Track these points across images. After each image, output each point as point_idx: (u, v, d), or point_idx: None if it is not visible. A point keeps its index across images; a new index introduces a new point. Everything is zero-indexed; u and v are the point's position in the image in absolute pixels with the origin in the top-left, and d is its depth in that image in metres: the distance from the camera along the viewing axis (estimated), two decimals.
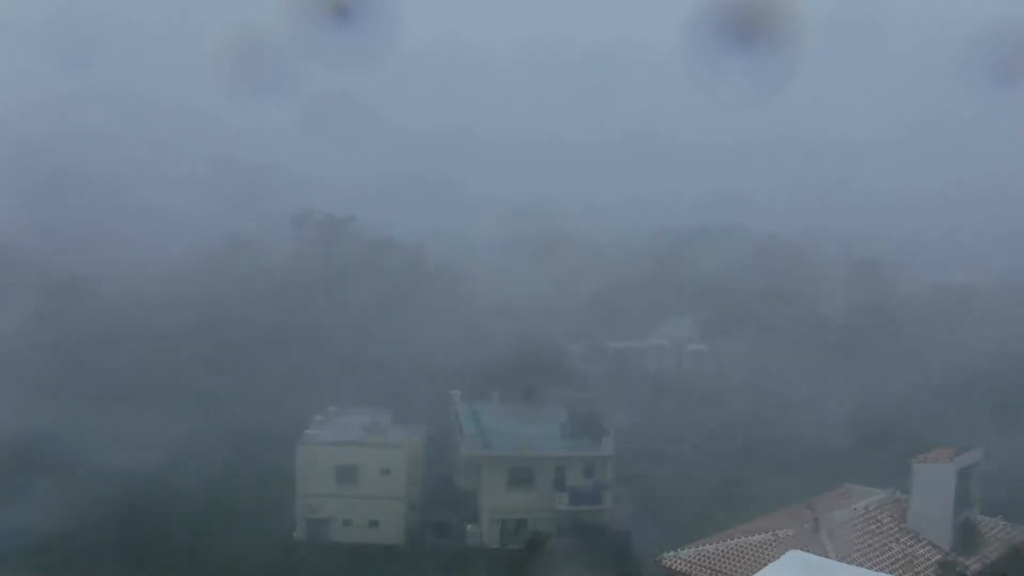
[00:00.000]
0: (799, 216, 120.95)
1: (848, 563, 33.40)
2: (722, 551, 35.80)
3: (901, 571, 34.47)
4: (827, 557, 33.45)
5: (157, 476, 57.14)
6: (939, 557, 35.36)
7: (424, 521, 58.35)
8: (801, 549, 33.92)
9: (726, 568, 34.70)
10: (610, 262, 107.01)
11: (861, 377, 72.51)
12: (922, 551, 35.99)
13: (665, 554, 36.18)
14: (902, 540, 36.52)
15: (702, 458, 61.97)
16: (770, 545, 34.98)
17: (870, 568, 33.89)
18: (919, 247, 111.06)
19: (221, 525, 53.82)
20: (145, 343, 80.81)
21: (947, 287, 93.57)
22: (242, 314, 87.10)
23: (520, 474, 57.05)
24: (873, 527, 36.80)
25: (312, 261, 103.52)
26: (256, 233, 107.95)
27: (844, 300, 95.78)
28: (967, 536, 37.08)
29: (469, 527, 56.75)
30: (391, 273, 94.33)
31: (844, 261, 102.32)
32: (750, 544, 35.49)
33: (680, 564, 34.75)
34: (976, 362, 72.64)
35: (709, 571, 35.15)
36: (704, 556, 35.77)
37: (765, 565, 28.13)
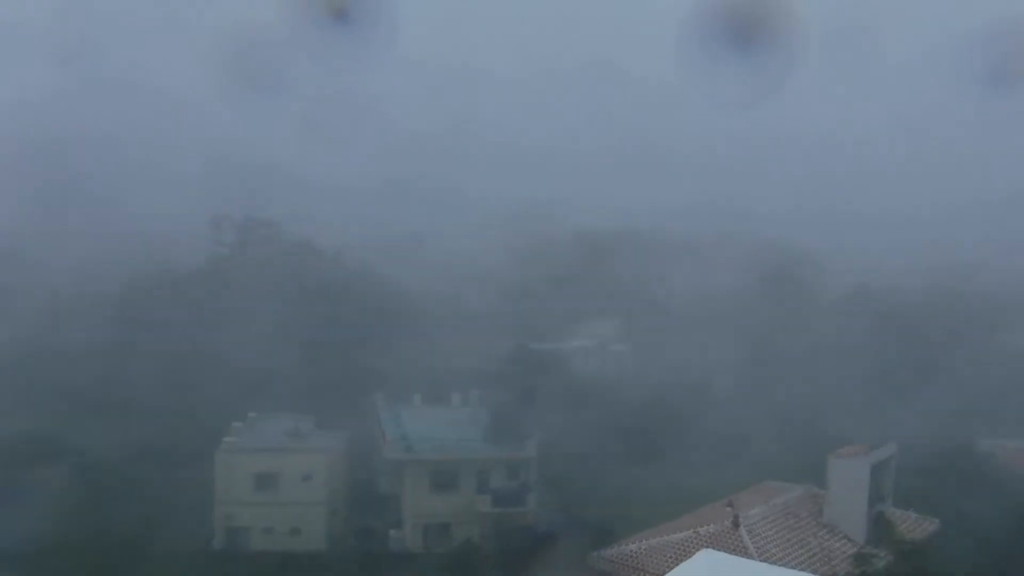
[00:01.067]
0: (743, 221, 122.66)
1: (767, 558, 34.30)
2: (646, 550, 36.36)
3: (818, 565, 35.47)
4: (747, 553, 34.27)
5: (72, 487, 55.56)
6: (854, 550, 36.45)
7: (347, 527, 57.87)
8: (722, 546, 34.82)
9: (650, 566, 35.24)
10: (536, 264, 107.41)
11: (780, 375, 74.21)
12: (838, 544, 37.10)
13: (590, 554, 36.58)
14: (819, 534, 37.59)
15: (626, 457, 62.58)
16: (692, 543, 35.64)
17: (789, 562, 34.84)
18: (846, 251, 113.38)
19: (136, 536, 52.56)
20: (55, 351, 78.39)
21: (866, 288, 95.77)
22: (158, 320, 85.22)
23: (443, 477, 57.02)
24: (791, 522, 37.79)
25: (230, 264, 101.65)
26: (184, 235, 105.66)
27: (764, 300, 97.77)
28: (881, 529, 38.34)
29: (392, 532, 56.47)
30: (311, 277, 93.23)
31: (769, 264, 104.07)
32: (673, 542, 36.12)
33: (605, 564, 35.19)
34: (893, 361, 75.01)
35: (633, 570, 35.67)
36: (628, 555, 36.28)
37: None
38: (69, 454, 58.79)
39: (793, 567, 35.01)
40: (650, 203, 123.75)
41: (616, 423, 65.03)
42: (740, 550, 34.59)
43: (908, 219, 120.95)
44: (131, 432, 61.76)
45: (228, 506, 55.11)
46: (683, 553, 35.32)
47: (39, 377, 73.59)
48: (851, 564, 35.07)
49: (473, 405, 65.08)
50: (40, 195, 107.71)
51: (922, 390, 65.88)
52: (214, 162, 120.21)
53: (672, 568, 28.90)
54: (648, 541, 36.77)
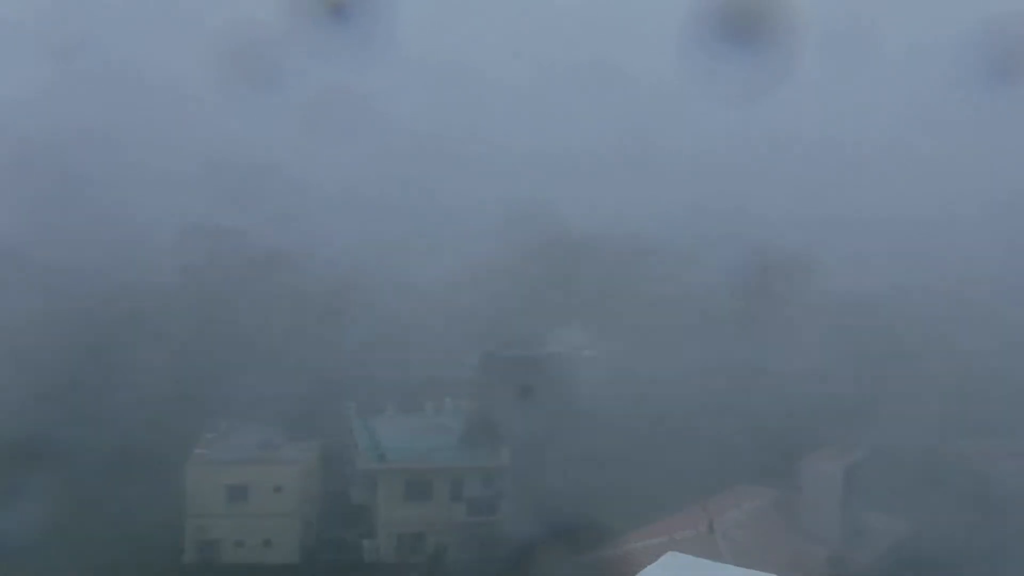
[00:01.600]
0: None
1: (742, 562, 34.39)
2: (621, 556, 36.32)
3: (793, 569, 35.62)
4: (722, 558, 34.40)
5: (38, 499, 54.66)
6: (829, 553, 36.71)
7: (320, 538, 57.52)
8: (698, 551, 34.92)
9: (627, 573, 35.21)
10: (506, 271, 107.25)
11: (753, 378, 74.44)
12: (813, 548, 37.34)
13: (566, 562, 36.56)
14: (793, 539, 37.82)
15: (599, 463, 62.59)
16: (668, 548, 35.63)
17: (763, 566, 34.95)
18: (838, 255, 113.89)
19: (106, 552, 51.89)
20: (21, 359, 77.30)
21: (843, 293, 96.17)
22: (121, 329, 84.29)
23: (417, 487, 56.86)
24: (766, 526, 38.07)
25: (195, 273, 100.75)
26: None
27: (733, 302, 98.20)
28: (854, 532, 38.64)
29: (366, 542, 56.18)
30: (276, 286, 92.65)
31: (739, 267, 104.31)
32: (648, 548, 36.07)
33: (581, 571, 35.14)
34: (867, 361, 75.52)
35: None
36: (604, 563, 36.26)
37: None
38: (35, 463, 57.94)
39: (768, 571, 35.22)
40: (638, 206, 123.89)
41: (590, 429, 65.02)
42: (715, 555, 34.74)
43: (901, 222, 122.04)
44: (99, 442, 61.06)
45: (199, 519, 54.65)
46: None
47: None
48: (826, 567, 35.30)
49: (447, 413, 64.98)
50: (27, 194, 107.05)
51: (897, 393, 66.44)
52: (205, 163, 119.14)
53: None
54: (624, 548, 36.80)
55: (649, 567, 28.60)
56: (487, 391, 70.43)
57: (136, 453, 60.60)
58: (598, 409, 70.13)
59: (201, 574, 52.44)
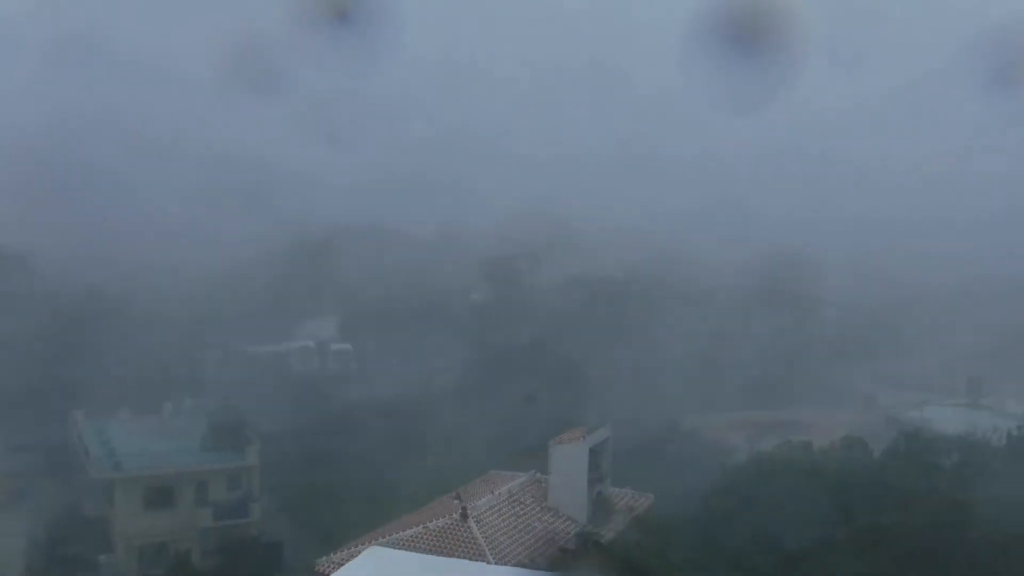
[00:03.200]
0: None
1: (496, 546, 35.33)
2: None
3: (545, 547, 36.90)
4: (477, 543, 35.12)
5: None
6: (578, 529, 38.28)
7: (50, 557, 53.46)
8: (452, 538, 35.47)
9: None
10: (254, 264, 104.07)
11: (500, 366, 76.37)
12: (562, 526, 38.79)
13: (318, 560, 35.99)
14: (544, 518, 39.11)
15: (353, 457, 62.16)
16: (422, 538, 35.97)
17: (516, 548, 36.08)
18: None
19: None
20: None
21: (579, 279, 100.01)
22: None
23: (158, 494, 54.15)
24: (517, 509, 39.03)
25: None
26: None
27: (484, 295, 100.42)
28: (600, 508, 40.50)
29: (103, 558, 52.82)
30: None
31: (484, 258, 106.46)
32: (403, 539, 36.21)
33: (334, 568, 34.65)
34: (612, 349, 79.34)
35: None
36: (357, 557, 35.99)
37: None
38: None
39: (520, 552, 36.30)
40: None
41: (341, 423, 64.44)
42: (470, 541, 35.37)
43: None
44: None
45: None
46: (414, 550, 35.62)
47: None
48: (575, 543, 36.79)
49: (187, 414, 62.23)
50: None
51: (635, 372, 70.34)
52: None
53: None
54: (377, 541, 36.68)
55: (350, 563, 28.85)
56: (232, 388, 68.22)
57: None
58: (349, 403, 69.67)
59: None
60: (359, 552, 35.72)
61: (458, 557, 34.32)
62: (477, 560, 34.24)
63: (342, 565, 34.39)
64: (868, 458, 41.80)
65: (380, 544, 35.88)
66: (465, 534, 35.72)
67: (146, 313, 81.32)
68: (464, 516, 36.37)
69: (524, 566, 33.81)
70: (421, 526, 36.75)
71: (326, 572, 34.72)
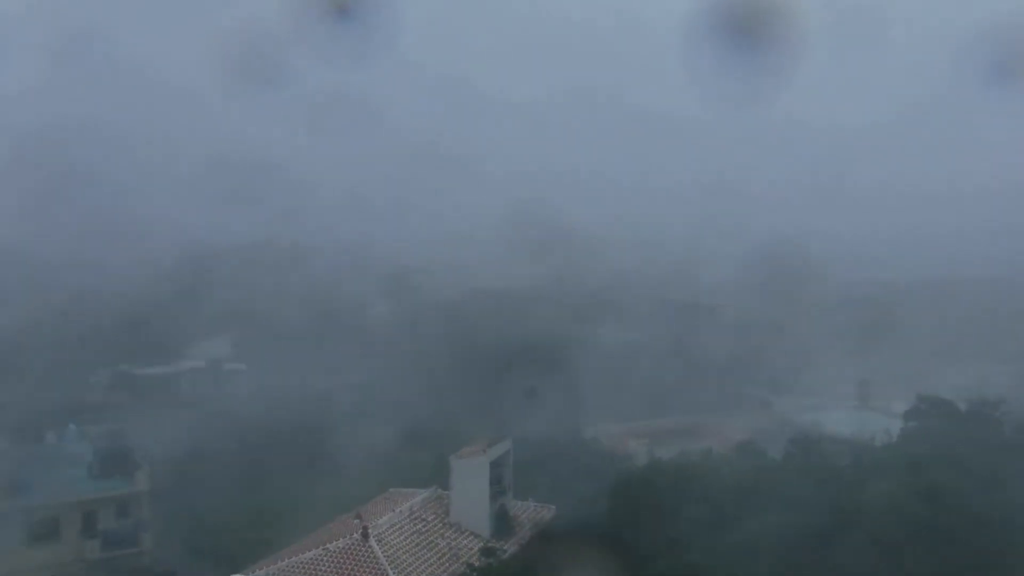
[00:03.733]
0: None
1: (398, 565, 35.08)
2: (274, 574, 35.59)
3: (448, 564, 36.80)
4: (379, 563, 34.81)
5: None
6: (481, 544, 38.24)
7: None
8: (353, 559, 35.11)
9: None
10: (134, 285, 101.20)
11: (404, 382, 75.88)
12: (466, 542, 38.72)
13: None
14: (447, 534, 38.99)
15: (250, 479, 60.88)
16: (322, 560, 35.49)
17: (419, 566, 35.91)
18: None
19: None
20: None
21: (482, 291, 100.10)
22: None
23: (41, 526, 52.01)
24: (419, 526, 38.85)
25: None
26: None
27: (382, 308, 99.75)
28: (503, 521, 40.57)
29: None
30: None
31: (383, 272, 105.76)
32: (303, 562, 35.70)
33: None
34: (508, 359, 79.44)
35: None
36: None
37: None
38: None
39: (424, 570, 36.14)
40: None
41: (237, 444, 63.04)
42: (371, 561, 35.06)
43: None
44: None
45: None
46: (315, 572, 35.11)
47: None
48: (479, 558, 36.75)
49: (72, 441, 60.03)
50: None
51: (533, 384, 70.55)
52: None
53: None
54: (276, 564, 36.04)
55: None
56: (119, 413, 66.18)
57: None
58: (242, 423, 68.29)
59: None
60: None
61: None
62: None
63: None
64: (763, 463, 42.86)
65: (278, 569, 35.31)
66: (366, 554, 35.37)
67: (22, 335, 78.41)
68: (365, 536, 36.01)
69: None
70: (321, 548, 36.26)
71: None
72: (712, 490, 35.54)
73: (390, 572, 34.52)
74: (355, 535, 36.18)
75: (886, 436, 49.74)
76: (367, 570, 34.68)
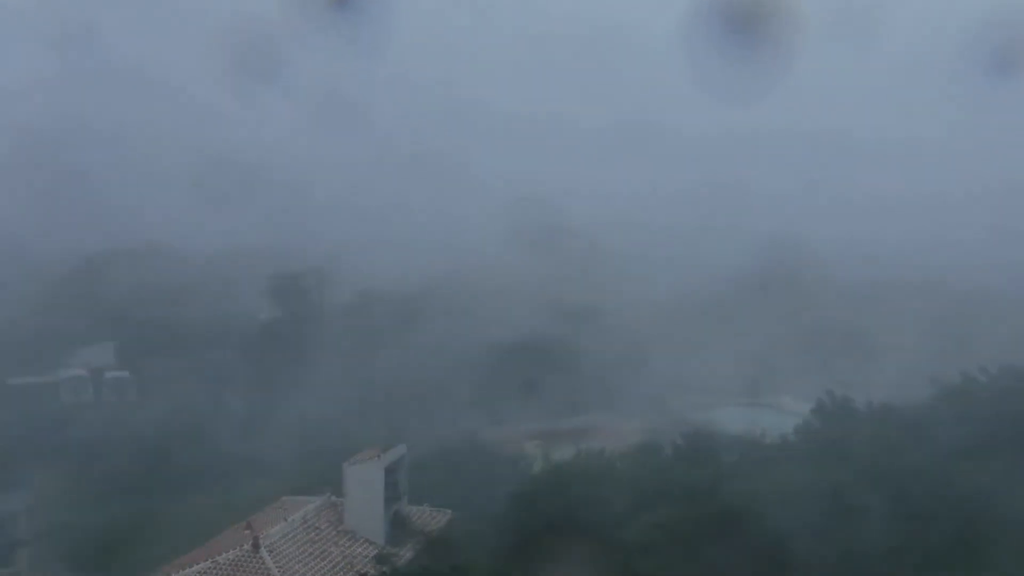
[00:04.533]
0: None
1: (290, 575, 34.65)
2: None
3: (342, 573, 36.50)
4: (270, 574, 34.32)
5: None
6: (376, 552, 38.06)
7: None
8: (244, 570, 34.53)
9: None
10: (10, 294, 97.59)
11: (293, 388, 74.84)
12: (360, 549, 38.48)
13: None
14: (341, 543, 38.67)
15: (133, 491, 59.30)
16: (211, 573, 34.87)
17: (313, 575, 35.51)
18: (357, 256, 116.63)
19: None
20: None
21: (370, 294, 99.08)
22: None
23: None
24: (312, 535, 38.43)
25: None
26: None
27: (270, 314, 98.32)
28: (399, 528, 40.44)
29: None
30: None
31: (268, 275, 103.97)
32: (191, 575, 35.00)
33: None
34: (403, 364, 79.10)
35: None
36: None
37: None
38: None
39: None
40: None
41: (119, 456, 61.38)
42: (262, 572, 34.54)
43: None
44: None
45: None
46: None
47: None
48: (374, 566, 36.56)
49: None
50: None
51: (428, 388, 70.53)
52: None
53: None
54: None
55: None
56: None
57: None
58: (126, 434, 66.63)
59: None
60: None
61: None
62: None
63: None
64: (658, 461, 43.62)
65: None
66: (257, 566, 34.84)
67: None
68: (256, 546, 35.46)
69: None
70: (210, 560, 35.59)
71: None
72: (606, 489, 36.04)
73: None
74: (245, 546, 35.60)
75: (780, 433, 51.15)
76: None
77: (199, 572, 35.08)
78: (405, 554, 38.57)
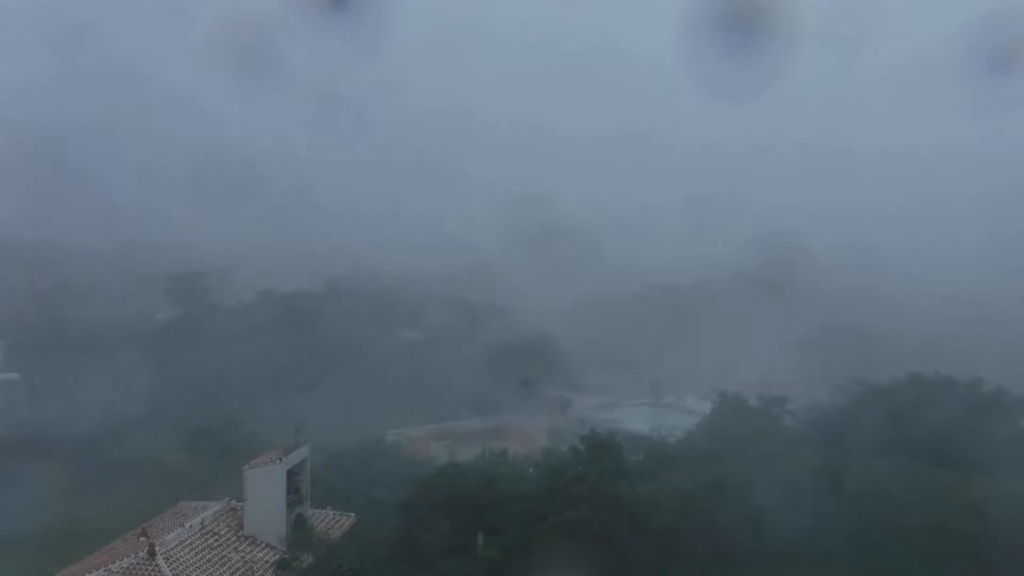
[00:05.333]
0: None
1: None
2: None
3: None
4: None
5: None
6: (277, 557, 37.51)
7: None
8: None
9: None
10: None
11: (191, 391, 73.27)
12: (261, 555, 37.89)
13: None
14: (241, 548, 38.01)
15: (22, 498, 57.18)
16: None
17: None
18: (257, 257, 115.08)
19: None
20: None
21: (272, 294, 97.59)
22: None
23: None
24: (211, 541, 37.70)
25: None
26: None
27: (168, 314, 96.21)
28: (300, 532, 39.94)
29: None
30: None
31: (164, 275, 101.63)
32: None
33: None
34: (304, 363, 78.17)
35: None
36: None
37: None
38: None
39: None
40: None
41: (7, 462, 59.15)
42: None
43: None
44: None
45: None
46: None
47: None
48: (275, 571, 36.06)
49: None
50: None
51: (331, 389, 69.78)
52: None
53: None
54: None
55: None
56: None
57: None
58: (19, 437, 64.45)
59: None
60: None
61: None
62: None
63: None
64: (559, 461, 44.00)
65: None
66: (153, 573, 34.02)
67: None
68: (152, 553, 34.64)
69: None
70: (104, 569, 34.62)
71: None
72: (509, 490, 36.25)
73: None
74: (140, 553, 34.76)
75: (679, 432, 52.11)
76: None
77: None
78: (307, 559, 38.12)
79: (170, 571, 34.15)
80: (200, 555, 36.48)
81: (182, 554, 35.80)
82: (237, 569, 36.67)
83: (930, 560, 32.45)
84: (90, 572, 34.59)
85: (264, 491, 38.88)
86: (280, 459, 39.37)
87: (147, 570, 34.17)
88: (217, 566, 36.35)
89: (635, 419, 68.26)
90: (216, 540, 37.99)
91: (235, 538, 38.63)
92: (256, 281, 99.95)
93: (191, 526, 37.83)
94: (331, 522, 42.68)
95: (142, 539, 36.06)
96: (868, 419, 41.37)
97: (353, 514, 43.70)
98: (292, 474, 40.00)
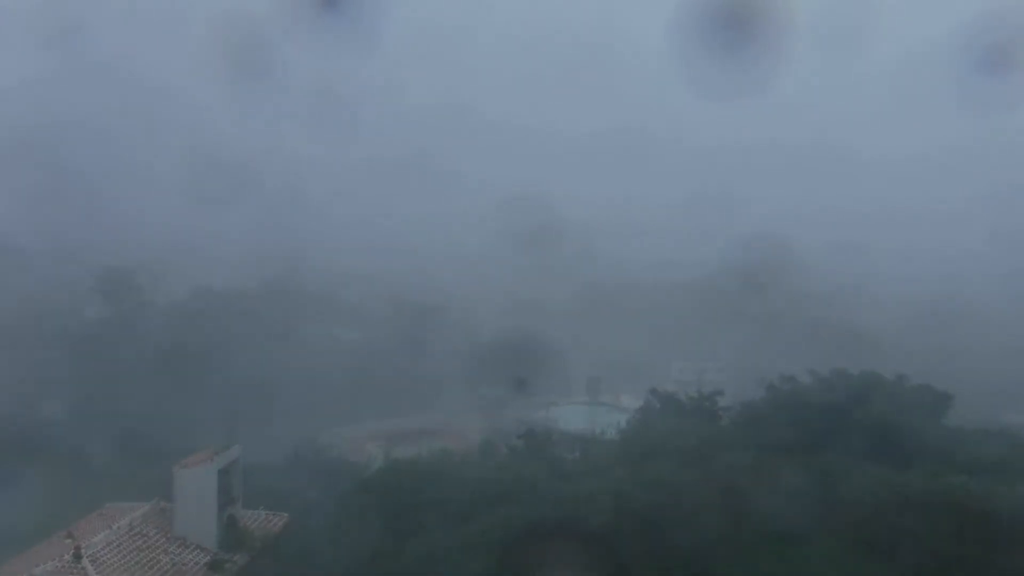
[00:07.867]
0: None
1: None
2: None
3: None
4: None
5: None
6: (208, 558, 37.11)
7: None
8: None
9: None
10: None
11: (118, 389, 72.03)
12: (191, 556, 37.44)
13: None
14: (170, 550, 37.54)
15: None
16: None
17: None
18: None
19: None
20: None
21: (209, 291, 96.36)
22: None
23: None
24: (140, 543, 37.19)
25: None
26: None
27: (95, 312, 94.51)
28: (233, 533, 39.54)
29: None
30: None
31: (100, 271, 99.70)
32: None
33: None
34: (243, 362, 77.30)
35: None
36: None
37: None
38: None
39: None
40: None
41: None
42: None
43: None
44: None
45: None
46: None
47: None
48: (205, 573, 35.66)
49: None
50: None
51: (263, 388, 69.13)
52: None
53: None
54: None
55: None
56: None
57: None
58: None
59: None
60: None
61: None
62: None
63: None
64: (496, 460, 44.21)
65: None
66: None
67: None
68: (77, 556, 34.08)
69: None
70: (27, 573, 33.93)
71: None
72: (445, 489, 36.22)
73: None
74: (66, 556, 34.17)
75: (614, 430, 52.52)
76: None
77: None
78: (239, 560, 37.78)
79: (96, 574, 33.63)
80: (128, 557, 35.96)
81: (109, 556, 35.25)
82: (167, 571, 36.22)
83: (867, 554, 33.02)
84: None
85: (195, 492, 38.42)
86: (211, 459, 38.95)
87: (73, 573, 33.62)
88: (146, 568, 35.86)
89: (571, 418, 68.77)
90: (145, 542, 37.46)
91: (164, 540, 38.13)
92: (192, 278, 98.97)
93: (119, 528, 37.26)
94: (264, 522, 42.30)
95: (67, 541, 35.44)
96: (792, 416, 41.89)
97: (286, 514, 43.37)
98: (224, 474, 39.57)
